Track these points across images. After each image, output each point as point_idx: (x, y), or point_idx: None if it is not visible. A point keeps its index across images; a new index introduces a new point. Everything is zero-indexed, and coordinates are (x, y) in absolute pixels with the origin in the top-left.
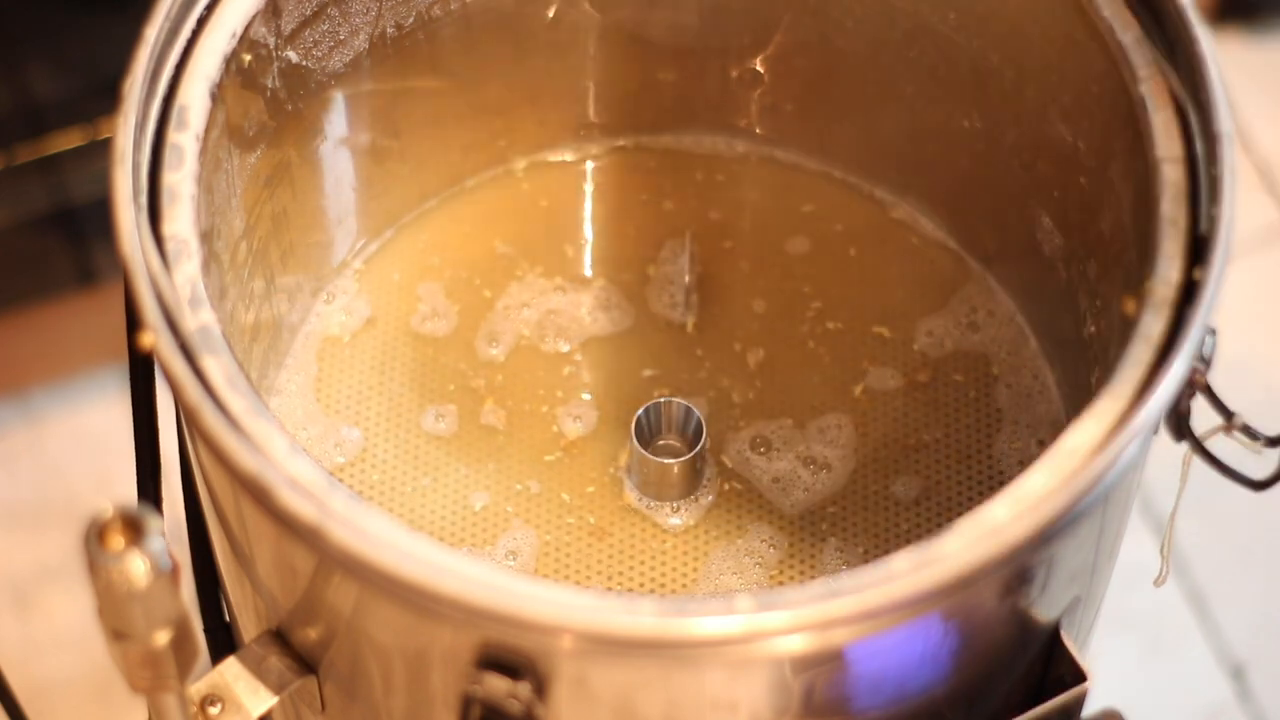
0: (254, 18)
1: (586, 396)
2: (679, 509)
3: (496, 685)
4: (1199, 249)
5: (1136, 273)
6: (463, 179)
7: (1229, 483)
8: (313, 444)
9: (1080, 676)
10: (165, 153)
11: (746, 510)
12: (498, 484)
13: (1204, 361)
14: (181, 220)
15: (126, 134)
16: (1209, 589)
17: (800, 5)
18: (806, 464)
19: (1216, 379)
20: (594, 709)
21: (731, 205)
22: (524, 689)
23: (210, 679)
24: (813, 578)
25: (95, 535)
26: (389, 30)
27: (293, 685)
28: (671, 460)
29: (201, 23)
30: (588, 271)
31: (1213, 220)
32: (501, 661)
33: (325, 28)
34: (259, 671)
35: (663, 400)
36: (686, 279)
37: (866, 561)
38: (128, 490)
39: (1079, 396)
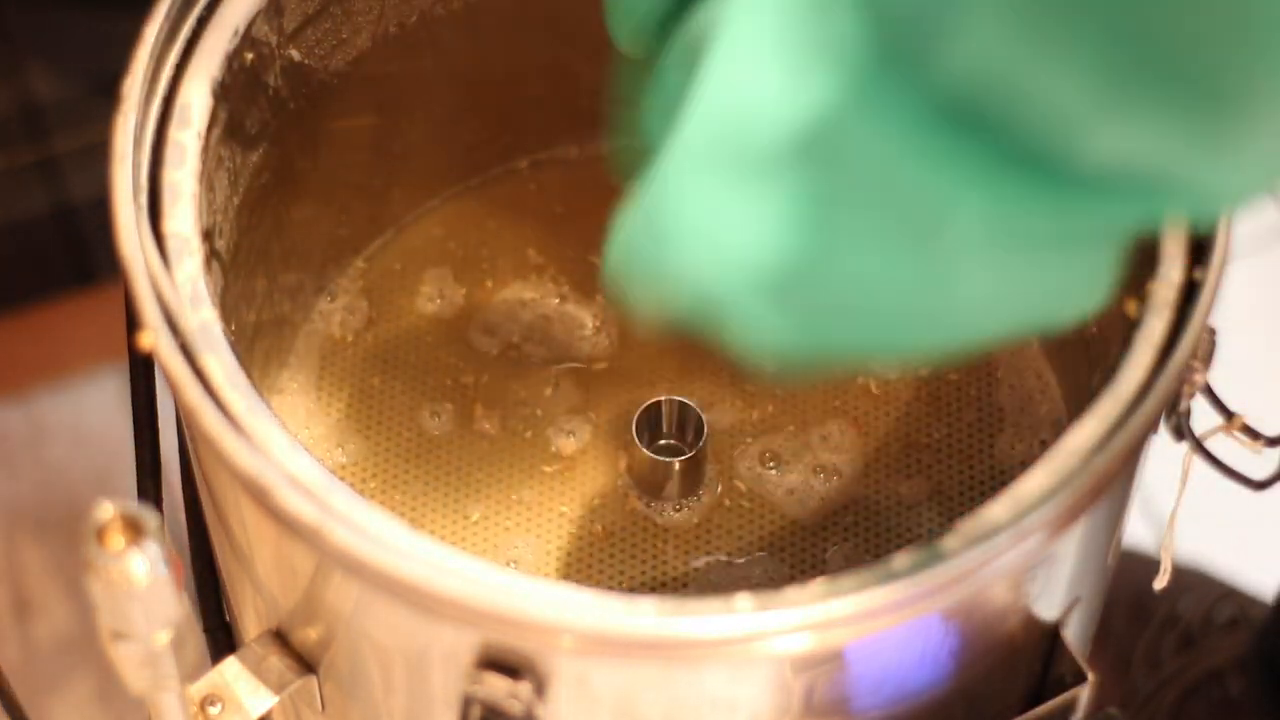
0: (256, 16)
1: (584, 402)
2: (680, 508)
3: (496, 685)
4: (1199, 249)
5: (1137, 273)
6: (466, 177)
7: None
8: (314, 443)
9: (1080, 676)
10: (167, 150)
11: (748, 509)
12: (494, 490)
13: (1204, 362)
14: (183, 218)
15: (126, 133)
16: None
17: None
18: (810, 467)
19: (1216, 379)
20: (594, 709)
21: None
22: (524, 689)
23: (210, 679)
24: (815, 578)
25: (95, 535)
26: (391, 29)
27: (293, 685)
28: (672, 459)
29: (202, 22)
30: (589, 274)
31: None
32: (501, 661)
33: (328, 26)
34: (259, 671)
35: (663, 399)
36: None
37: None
38: (128, 490)
39: (1080, 397)
